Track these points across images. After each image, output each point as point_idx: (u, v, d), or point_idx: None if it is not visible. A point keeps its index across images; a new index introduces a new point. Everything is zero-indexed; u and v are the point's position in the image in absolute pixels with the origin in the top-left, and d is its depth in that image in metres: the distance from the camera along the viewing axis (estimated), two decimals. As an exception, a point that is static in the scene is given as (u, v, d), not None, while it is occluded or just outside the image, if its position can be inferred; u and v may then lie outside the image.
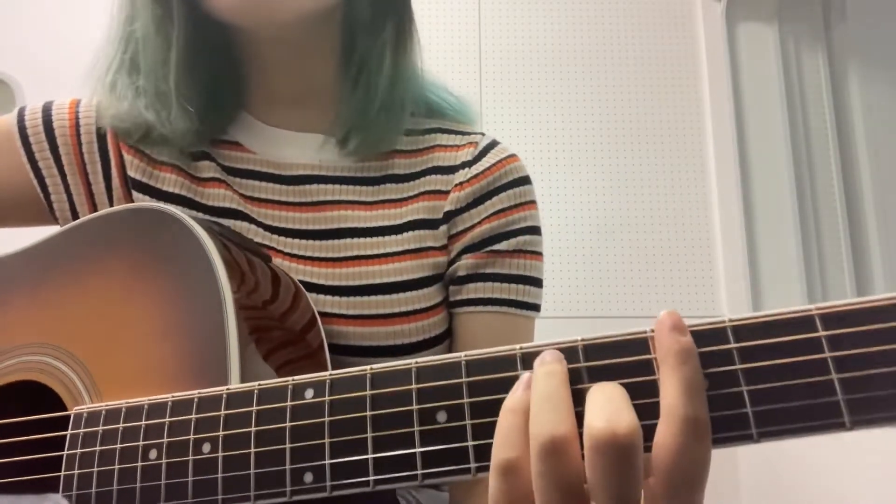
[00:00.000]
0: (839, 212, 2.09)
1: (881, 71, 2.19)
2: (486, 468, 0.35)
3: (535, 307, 0.72)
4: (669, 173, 2.15)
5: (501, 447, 0.34)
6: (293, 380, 0.40)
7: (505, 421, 0.35)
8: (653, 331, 0.35)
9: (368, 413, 0.37)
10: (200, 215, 0.68)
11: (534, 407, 0.34)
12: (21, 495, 0.47)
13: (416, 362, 0.38)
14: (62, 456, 0.47)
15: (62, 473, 0.47)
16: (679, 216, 2.12)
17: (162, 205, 0.57)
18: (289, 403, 0.40)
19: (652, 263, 2.09)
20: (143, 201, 0.69)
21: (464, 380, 0.36)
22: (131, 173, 0.70)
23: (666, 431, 0.32)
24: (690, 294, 2.06)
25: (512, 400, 0.35)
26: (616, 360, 0.35)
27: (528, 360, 0.36)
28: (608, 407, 0.32)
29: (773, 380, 0.32)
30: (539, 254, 0.73)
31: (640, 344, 0.35)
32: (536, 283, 0.72)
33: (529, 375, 0.35)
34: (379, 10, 0.71)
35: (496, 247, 0.70)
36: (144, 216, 0.57)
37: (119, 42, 0.68)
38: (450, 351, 0.71)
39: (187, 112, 0.66)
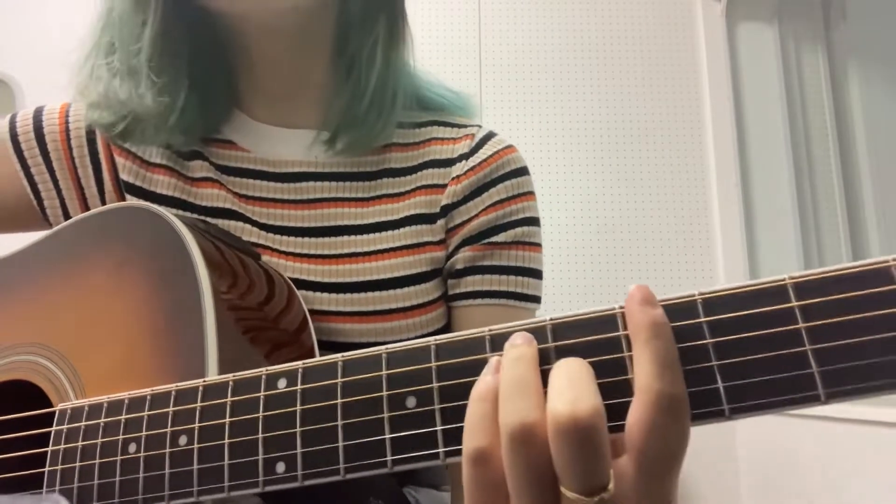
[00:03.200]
0: (839, 211, 2.09)
1: (881, 71, 2.19)
2: (456, 453, 0.34)
3: (535, 299, 0.71)
4: (669, 173, 2.15)
5: (472, 435, 0.33)
6: (267, 370, 0.40)
7: (474, 408, 0.34)
8: (622, 307, 0.34)
9: (339, 401, 0.37)
10: (187, 213, 0.68)
11: (502, 394, 0.33)
12: (20, 494, 0.47)
13: (387, 348, 0.37)
14: (46, 452, 0.47)
15: (46, 469, 0.47)
16: (679, 216, 2.12)
17: (146, 203, 0.57)
18: (262, 394, 0.39)
19: (652, 263, 2.09)
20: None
21: (433, 364, 0.36)
22: (123, 176, 0.70)
23: (639, 408, 0.31)
24: (691, 294, 2.05)
25: (480, 386, 0.34)
26: (585, 339, 0.34)
27: (497, 342, 0.35)
28: (570, 389, 0.31)
29: (744, 353, 0.32)
30: (538, 245, 0.72)
31: (610, 321, 0.34)
32: (536, 274, 0.71)
33: (497, 360, 0.35)
34: (372, 6, 0.70)
35: (494, 238, 0.69)
36: (129, 215, 0.57)
37: (98, 28, 0.67)
38: None
39: (155, 86, 0.64)
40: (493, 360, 0.35)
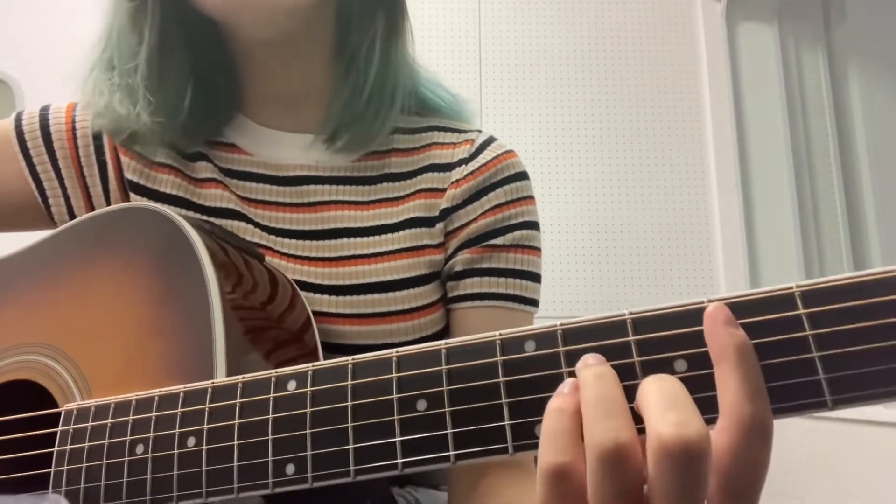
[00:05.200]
0: (839, 211, 2.09)
1: (881, 71, 2.19)
2: (465, 456, 0.35)
3: (534, 302, 0.71)
4: (669, 173, 2.15)
5: (552, 451, 0.32)
6: (276, 372, 0.40)
7: (553, 422, 0.33)
8: (631, 312, 0.34)
9: (349, 403, 0.37)
10: (192, 214, 0.68)
11: (589, 411, 0.32)
12: (20, 494, 0.47)
13: (397, 351, 0.37)
14: (52, 452, 0.47)
15: (52, 470, 0.47)
16: (679, 216, 2.12)
17: (152, 203, 0.57)
18: (271, 395, 0.39)
19: (652, 263, 2.09)
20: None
21: (444, 367, 0.36)
22: (128, 175, 0.70)
23: (730, 434, 0.31)
24: (690, 294, 2.06)
25: (559, 401, 0.33)
26: (596, 344, 0.34)
27: (507, 346, 0.35)
28: (674, 410, 0.30)
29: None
30: (537, 249, 0.72)
31: (620, 326, 0.34)
32: (534, 277, 0.71)
33: (574, 381, 0.33)
34: (370, 3, 0.70)
35: (493, 241, 0.70)
36: (135, 215, 0.57)
37: (100, 41, 0.68)
38: None
39: (151, 106, 0.65)
40: (569, 380, 0.34)
